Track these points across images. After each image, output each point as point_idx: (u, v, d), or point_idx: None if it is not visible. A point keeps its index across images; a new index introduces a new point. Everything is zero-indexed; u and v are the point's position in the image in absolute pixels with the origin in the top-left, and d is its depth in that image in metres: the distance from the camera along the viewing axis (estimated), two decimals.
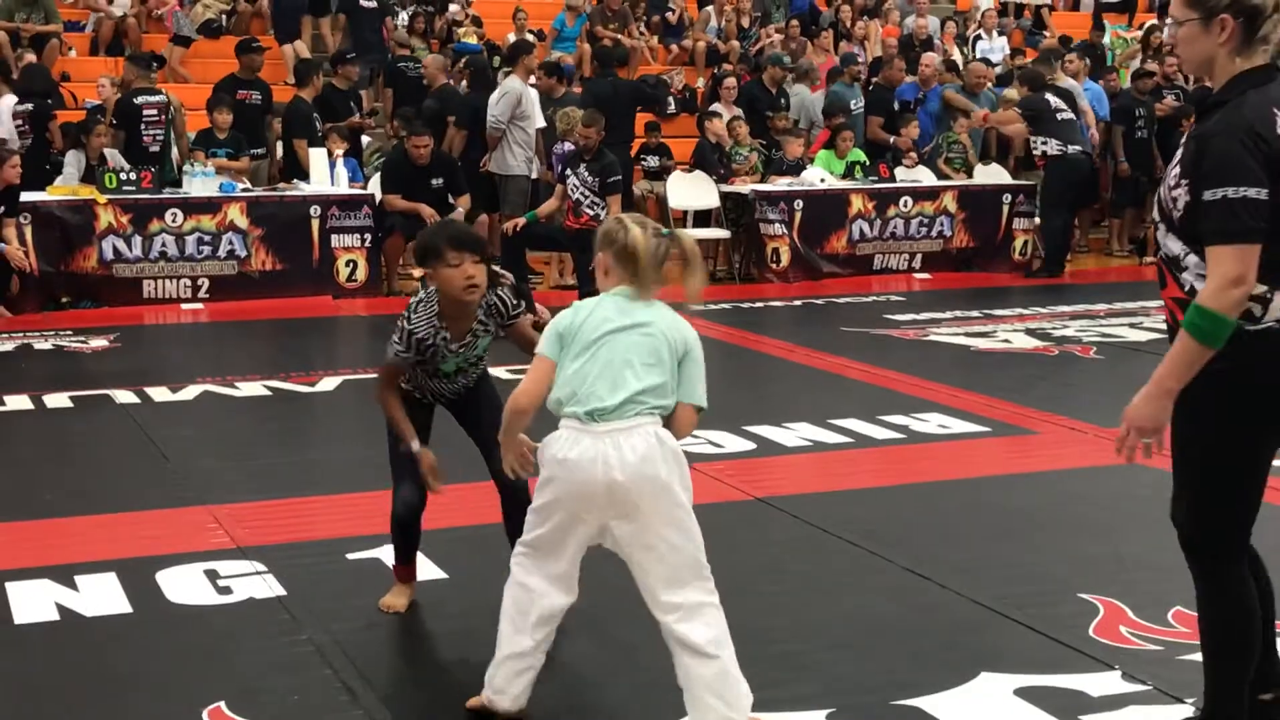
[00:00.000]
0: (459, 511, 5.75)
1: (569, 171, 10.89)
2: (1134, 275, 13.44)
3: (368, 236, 11.47)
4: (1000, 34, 18.30)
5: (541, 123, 12.53)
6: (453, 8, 17.15)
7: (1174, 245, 3.44)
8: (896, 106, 14.72)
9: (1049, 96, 13.09)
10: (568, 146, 11.88)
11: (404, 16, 16.82)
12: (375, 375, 4.84)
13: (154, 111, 12.16)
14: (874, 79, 15.49)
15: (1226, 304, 3.25)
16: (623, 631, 4.40)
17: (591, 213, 10.66)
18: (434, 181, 11.41)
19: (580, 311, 3.73)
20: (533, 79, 13.03)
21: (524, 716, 3.85)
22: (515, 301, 4.61)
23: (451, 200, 11.47)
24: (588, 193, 10.72)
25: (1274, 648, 3.64)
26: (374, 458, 6.67)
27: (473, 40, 16.54)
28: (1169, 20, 4.14)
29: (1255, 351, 3.33)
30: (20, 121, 12.21)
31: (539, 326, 4.13)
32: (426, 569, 5.00)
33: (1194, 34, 3.40)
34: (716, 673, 3.63)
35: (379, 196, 11.67)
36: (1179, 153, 3.44)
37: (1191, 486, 3.52)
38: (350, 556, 5.17)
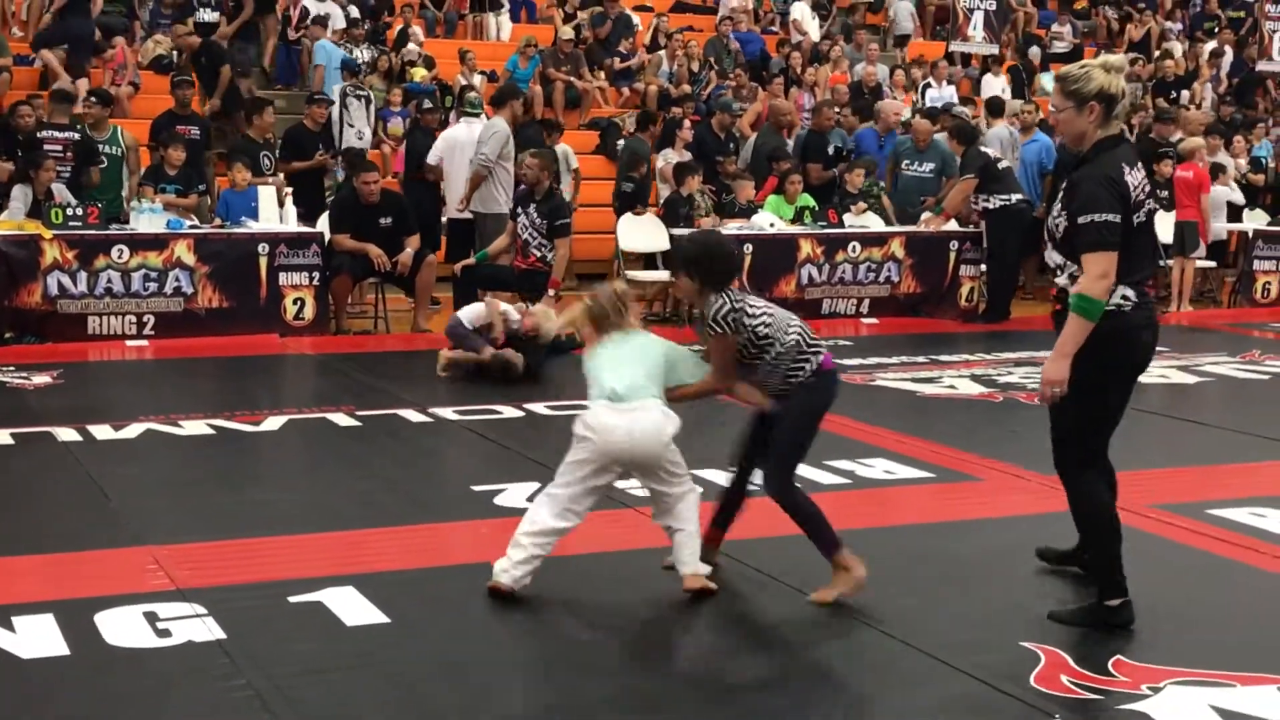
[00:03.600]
0: (402, 554, 5.73)
1: (519, 210, 10.89)
2: None
3: (316, 275, 11.42)
4: (949, 83, 18.50)
5: None
6: (410, 46, 17.16)
7: (1056, 257, 5.09)
8: (831, 151, 14.86)
9: (986, 150, 13.28)
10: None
11: (364, 54, 16.80)
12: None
13: (58, 146, 12.02)
14: (811, 126, 15.63)
15: (1098, 292, 4.82)
16: None
17: (539, 254, 10.62)
18: (383, 220, 11.40)
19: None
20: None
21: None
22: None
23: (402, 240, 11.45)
24: (535, 234, 10.67)
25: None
26: (318, 499, 6.68)
27: (424, 80, 16.56)
28: (1051, 107, 5.36)
29: (1120, 323, 4.90)
30: None
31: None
32: (368, 613, 4.98)
33: (1071, 117, 5.01)
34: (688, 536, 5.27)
35: (328, 235, 11.63)
36: (1060, 194, 5.00)
37: (1078, 430, 5.08)
38: (292, 599, 5.12)
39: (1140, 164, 5.03)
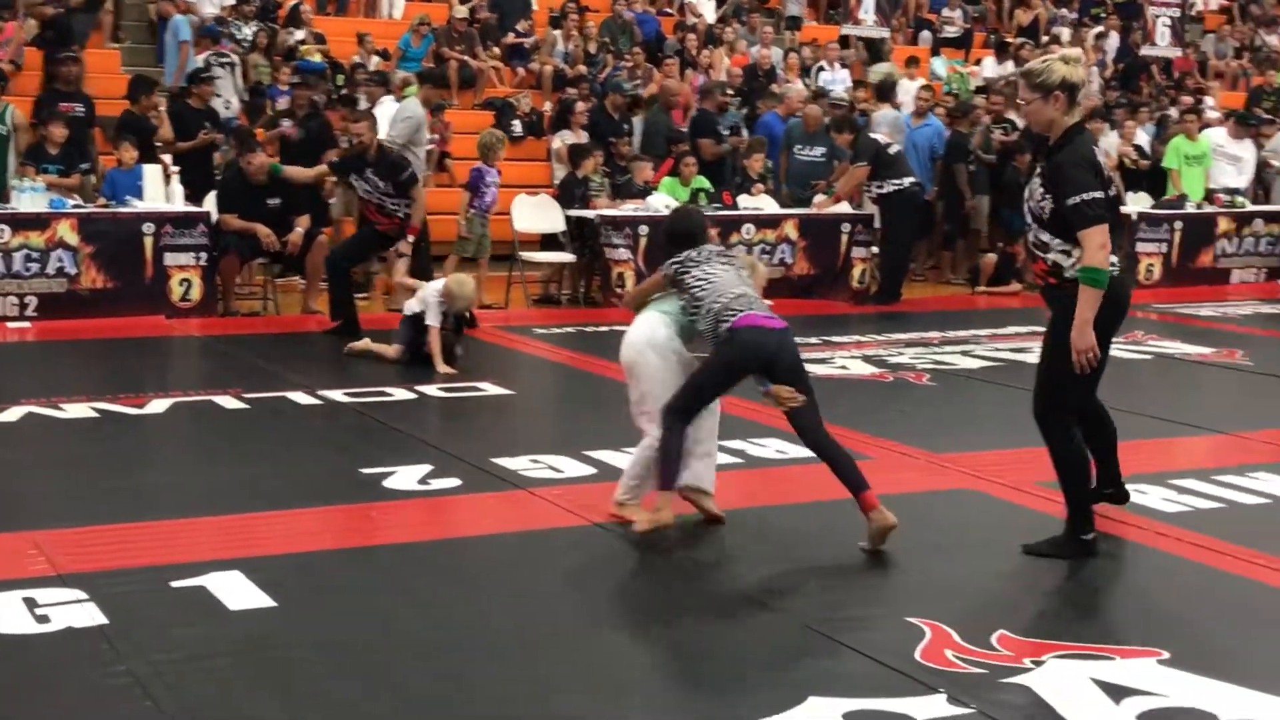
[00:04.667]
0: (288, 538, 5.66)
1: (354, 176, 10.72)
2: (967, 304, 13.76)
3: (203, 255, 11.22)
4: (842, 66, 18.61)
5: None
6: (298, 31, 16.91)
7: (1044, 236, 5.56)
8: (726, 130, 14.93)
9: (876, 136, 13.41)
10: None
11: (247, 32, 16.54)
12: None
13: None
14: (702, 105, 15.64)
15: (1101, 261, 5.39)
16: None
17: (400, 213, 10.57)
18: (270, 201, 11.23)
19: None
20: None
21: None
22: None
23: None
24: (383, 196, 10.51)
25: (1115, 463, 6.11)
26: (203, 483, 6.57)
27: (317, 58, 16.34)
28: (1019, 100, 5.96)
29: (1111, 287, 5.47)
30: None
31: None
32: (254, 597, 4.91)
33: (1039, 107, 5.52)
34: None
35: (215, 215, 11.43)
36: (1037, 178, 5.61)
37: (1058, 379, 5.62)
38: (174, 584, 5.02)
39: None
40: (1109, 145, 15.68)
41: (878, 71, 18.12)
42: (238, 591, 4.95)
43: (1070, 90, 5.48)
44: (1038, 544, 5.70)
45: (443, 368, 9.09)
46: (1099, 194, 5.41)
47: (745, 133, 15.61)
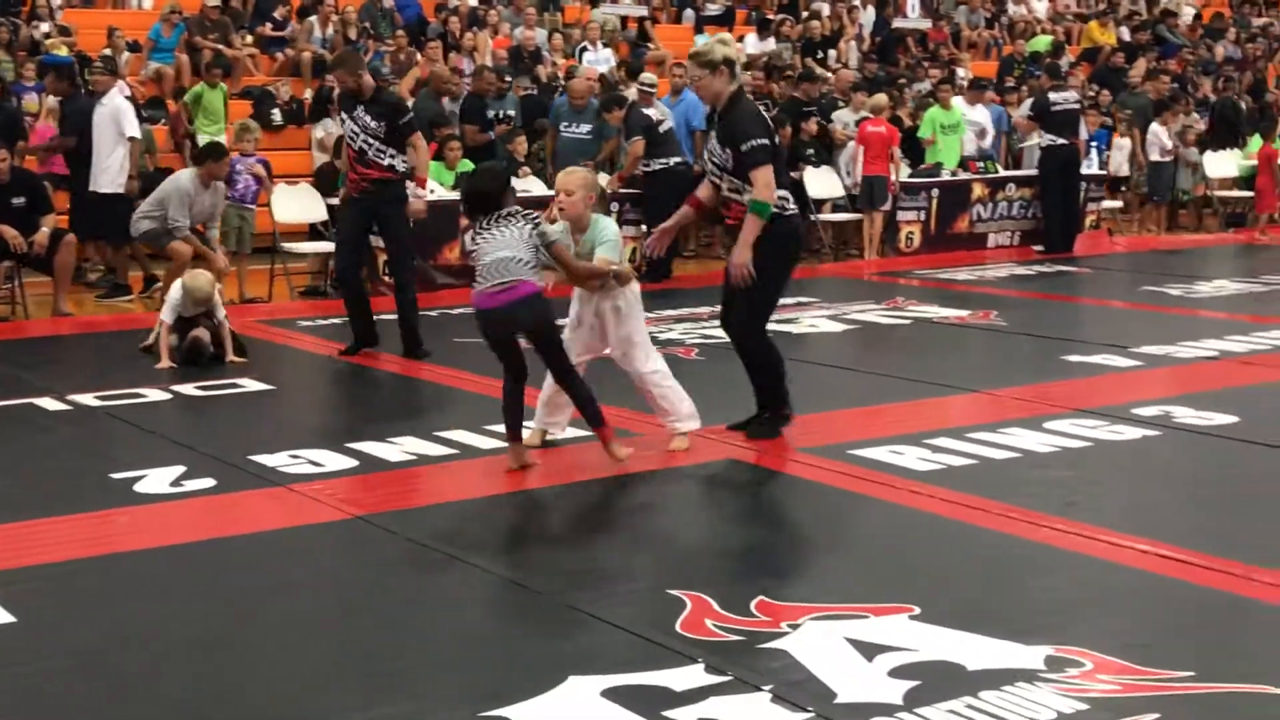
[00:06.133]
0: (29, 550, 5.41)
1: (343, 116, 9.58)
2: None
3: None
4: (606, 45, 18.66)
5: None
6: (44, 25, 16.22)
7: (735, 182, 6.74)
8: (492, 115, 14.83)
9: (648, 111, 13.46)
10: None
11: None
12: None
13: None
14: (471, 90, 15.51)
15: (768, 196, 6.64)
16: None
17: (387, 162, 9.36)
18: (15, 200, 10.75)
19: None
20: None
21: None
22: None
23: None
24: (370, 139, 9.29)
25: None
26: None
27: (63, 52, 15.68)
28: (689, 79, 7.30)
29: (788, 225, 6.82)
30: None
31: None
32: None
33: (709, 81, 6.78)
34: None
35: None
36: (713, 138, 6.90)
37: (758, 303, 6.85)
38: None
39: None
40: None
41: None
42: None
43: (730, 65, 6.74)
44: (749, 425, 6.96)
45: (165, 363, 8.87)
46: (766, 141, 6.63)
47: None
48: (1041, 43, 22.44)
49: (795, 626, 4.52)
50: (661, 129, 13.35)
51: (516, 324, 6.30)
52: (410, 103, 14.98)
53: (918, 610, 4.64)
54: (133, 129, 12.20)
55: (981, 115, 16.84)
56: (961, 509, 5.86)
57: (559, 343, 6.50)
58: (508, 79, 15.96)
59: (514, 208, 6.39)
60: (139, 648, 4.46)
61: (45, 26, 16.23)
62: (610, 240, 6.66)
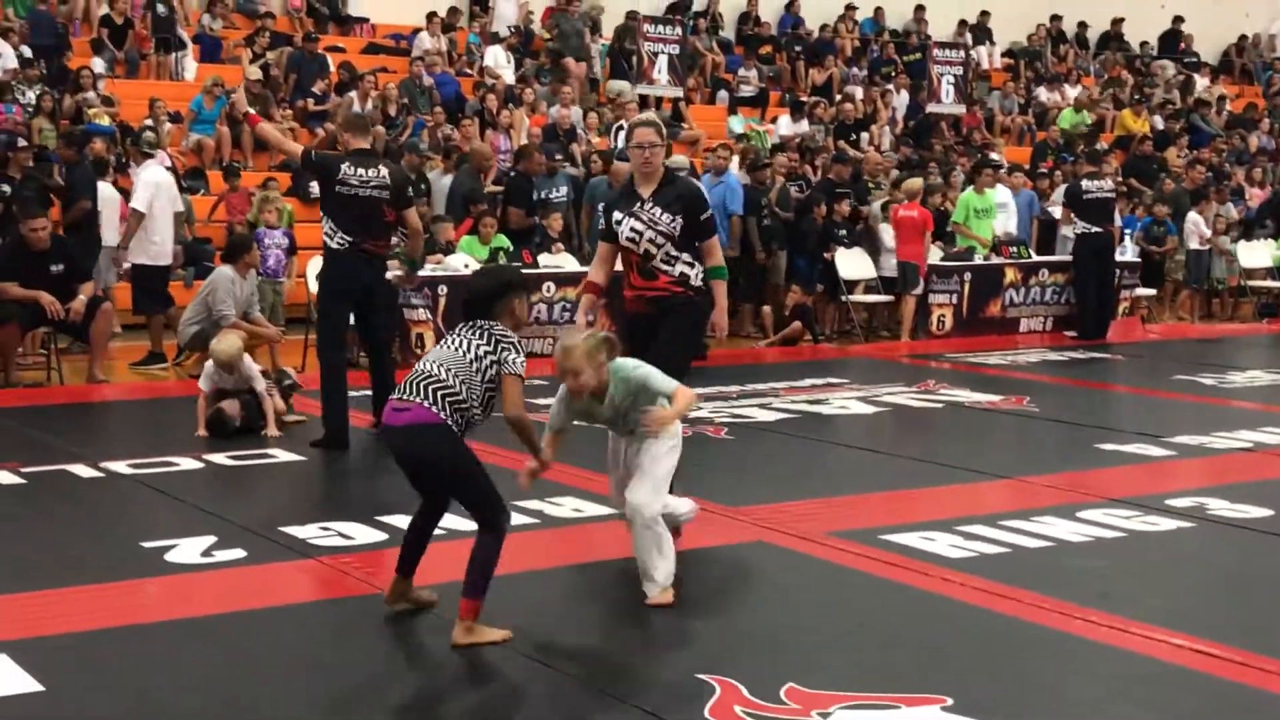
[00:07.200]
0: (58, 619, 5.41)
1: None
2: (762, 358, 13.94)
3: None
4: None
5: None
6: (90, 94, 16.46)
7: (673, 252, 6.75)
8: (538, 198, 14.94)
9: None
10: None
11: (30, 96, 16.07)
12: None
13: None
14: (515, 169, 15.63)
15: (722, 261, 6.98)
16: None
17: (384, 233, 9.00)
18: (54, 268, 10.87)
19: None
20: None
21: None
22: None
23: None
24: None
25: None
26: None
27: (105, 121, 15.91)
28: (645, 143, 6.84)
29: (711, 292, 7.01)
30: None
31: None
32: (19, 681, 4.67)
33: (660, 152, 6.86)
34: None
35: None
36: (657, 208, 6.73)
37: (687, 354, 6.93)
38: None
39: None
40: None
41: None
42: (3, 675, 4.71)
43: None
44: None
45: (202, 431, 8.93)
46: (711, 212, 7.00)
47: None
48: (1070, 118, 22.55)
49: (826, 716, 4.47)
50: None
51: (414, 455, 5.25)
52: (449, 179, 15.19)
53: (950, 701, 4.59)
54: (138, 201, 12.49)
55: (1005, 196, 16.88)
56: (994, 598, 5.80)
57: (475, 485, 5.31)
58: (558, 156, 16.08)
59: (496, 326, 5.23)
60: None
61: (89, 95, 16.46)
62: (641, 374, 5.91)
